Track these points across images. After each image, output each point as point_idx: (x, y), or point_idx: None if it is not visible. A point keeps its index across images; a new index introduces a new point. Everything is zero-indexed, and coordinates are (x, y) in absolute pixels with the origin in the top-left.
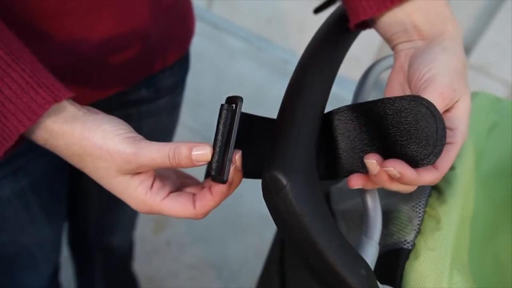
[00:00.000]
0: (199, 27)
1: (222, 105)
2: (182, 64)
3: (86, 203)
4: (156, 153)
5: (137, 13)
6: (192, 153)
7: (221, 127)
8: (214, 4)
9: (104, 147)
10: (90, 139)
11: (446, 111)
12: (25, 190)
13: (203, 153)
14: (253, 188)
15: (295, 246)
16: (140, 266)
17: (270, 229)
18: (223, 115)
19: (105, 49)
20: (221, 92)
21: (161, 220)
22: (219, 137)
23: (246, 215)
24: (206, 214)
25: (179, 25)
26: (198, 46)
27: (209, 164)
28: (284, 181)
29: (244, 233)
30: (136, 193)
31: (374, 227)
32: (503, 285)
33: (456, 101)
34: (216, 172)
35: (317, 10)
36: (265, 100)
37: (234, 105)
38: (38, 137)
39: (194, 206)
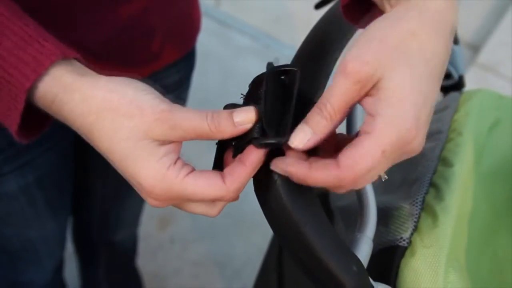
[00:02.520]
0: (207, 24)
1: (266, 73)
2: (187, 61)
3: (90, 199)
4: (192, 113)
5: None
6: (234, 115)
7: (268, 93)
8: (222, 2)
9: (135, 102)
10: (119, 92)
11: (370, 94)
12: (31, 186)
13: (247, 115)
14: None
15: (286, 242)
16: (144, 262)
17: None
18: (270, 83)
19: (111, 44)
20: (227, 90)
21: (165, 217)
22: (267, 102)
23: (250, 213)
24: (239, 191)
25: (184, 21)
26: (205, 43)
27: (251, 130)
28: (274, 176)
29: (248, 231)
30: (159, 164)
31: (368, 223)
32: (502, 284)
33: (381, 79)
34: (268, 133)
35: (318, 6)
36: None
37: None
38: (48, 93)
39: (224, 182)
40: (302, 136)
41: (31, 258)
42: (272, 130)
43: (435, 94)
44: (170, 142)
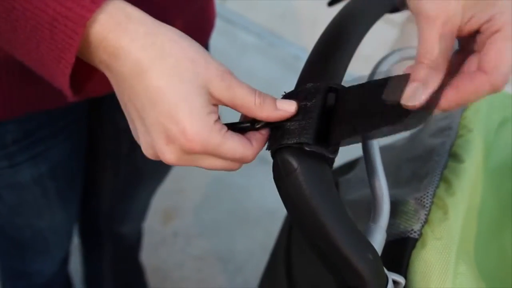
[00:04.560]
0: None
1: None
2: None
3: (100, 191)
4: (245, 84)
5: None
6: (277, 101)
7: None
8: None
9: (201, 53)
10: (186, 40)
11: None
12: (44, 176)
13: (289, 106)
14: (260, 183)
15: (304, 229)
16: (147, 256)
17: (276, 223)
18: (323, 97)
19: None
20: None
21: (169, 211)
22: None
23: (253, 209)
24: (257, 153)
25: (200, 16)
26: (211, 40)
27: (293, 131)
28: (294, 164)
29: (250, 227)
30: (210, 116)
31: (382, 213)
32: (508, 276)
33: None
34: (304, 134)
35: (331, 3)
36: (276, 96)
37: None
38: (109, 23)
39: (252, 144)
40: (420, 96)
41: (40, 248)
42: (323, 142)
43: None
44: (216, 102)
